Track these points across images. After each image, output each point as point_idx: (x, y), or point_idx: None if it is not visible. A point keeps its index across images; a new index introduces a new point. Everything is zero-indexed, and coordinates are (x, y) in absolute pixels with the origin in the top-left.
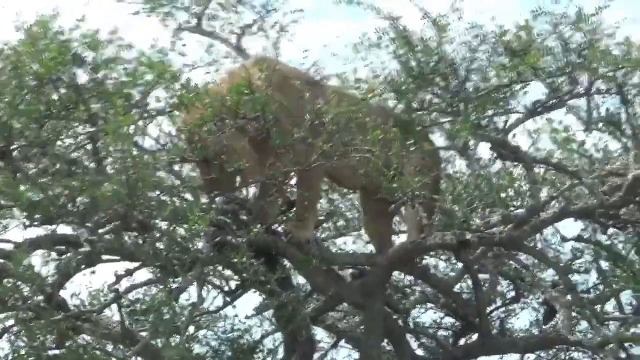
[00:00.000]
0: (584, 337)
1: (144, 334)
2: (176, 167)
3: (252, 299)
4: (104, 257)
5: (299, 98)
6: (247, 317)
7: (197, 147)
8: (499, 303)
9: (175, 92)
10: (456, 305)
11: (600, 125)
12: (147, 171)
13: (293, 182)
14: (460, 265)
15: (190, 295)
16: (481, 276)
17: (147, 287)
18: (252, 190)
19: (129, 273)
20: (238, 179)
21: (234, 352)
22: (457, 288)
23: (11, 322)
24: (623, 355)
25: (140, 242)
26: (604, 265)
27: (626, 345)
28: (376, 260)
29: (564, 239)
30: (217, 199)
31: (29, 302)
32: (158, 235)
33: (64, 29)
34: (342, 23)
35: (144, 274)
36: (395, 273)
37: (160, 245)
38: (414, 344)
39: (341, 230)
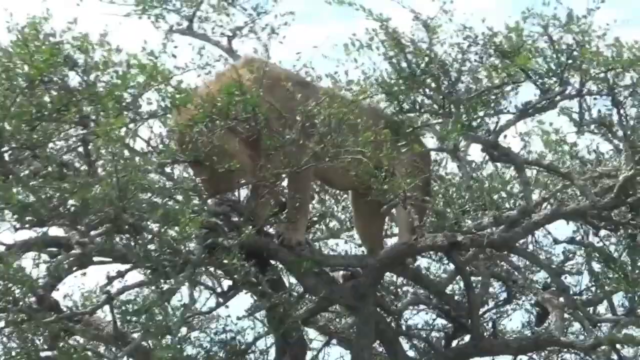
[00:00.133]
0: (576, 339)
1: (135, 335)
2: (168, 169)
3: (244, 300)
4: (96, 259)
5: (289, 99)
6: (239, 318)
7: (187, 148)
8: (491, 304)
9: (166, 94)
10: (448, 307)
11: (592, 126)
12: (137, 173)
13: (284, 183)
14: (452, 266)
15: (182, 296)
16: (473, 278)
17: (139, 289)
18: (244, 192)
19: (121, 274)
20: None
21: (226, 354)
22: (449, 289)
23: (2, 323)
24: (615, 357)
25: (132, 243)
26: (596, 266)
27: (618, 346)
28: (368, 261)
29: (556, 241)
30: (209, 201)
31: (20, 303)
32: (149, 237)
33: (56, 31)
34: (332, 25)
35: (136, 276)
36: (387, 274)
37: (151, 247)
38: (405, 345)
39: (333, 232)
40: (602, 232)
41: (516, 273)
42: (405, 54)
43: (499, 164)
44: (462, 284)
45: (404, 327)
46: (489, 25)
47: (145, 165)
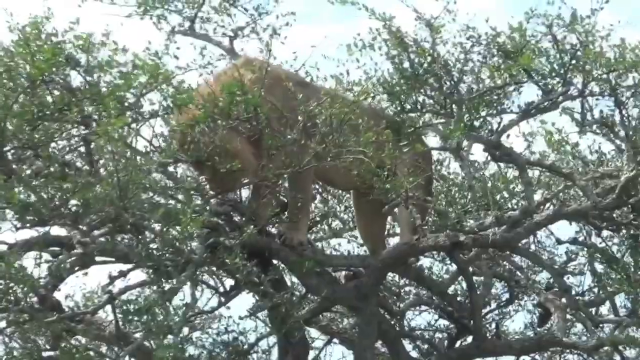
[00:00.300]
0: (579, 340)
1: (137, 335)
2: (171, 168)
3: (246, 300)
4: (97, 259)
5: (289, 99)
6: (241, 318)
7: (189, 148)
8: (494, 305)
9: (168, 94)
10: (451, 308)
11: (594, 127)
12: (138, 173)
13: (285, 183)
14: (454, 267)
15: (184, 295)
16: (475, 278)
17: (140, 288)
18: (246, 192)
19: (123, 274)
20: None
21: (228, 354)
22: (451, 290)
23: (4, 323)
24: (617, 358)
25: (134, 243)
26: (599, 267)
27: (620, 347)
28: (370, 262)
29: (559, 241)
30: (211, 200)
31: (22, 303)
32: (151, 236)
33: (57, 31)
34: (331, 25)
35: (138, 275)
36: (390, 275)
37: (153, 247)
38: (408, 346)
39: (335, 231)
40: (605, 233)
41: (518, 273)
42: (408, 53)
43: (501, 164)
44: (464, 284)
45: (406, 328)
46: (491, 25)
47: (147, 165)
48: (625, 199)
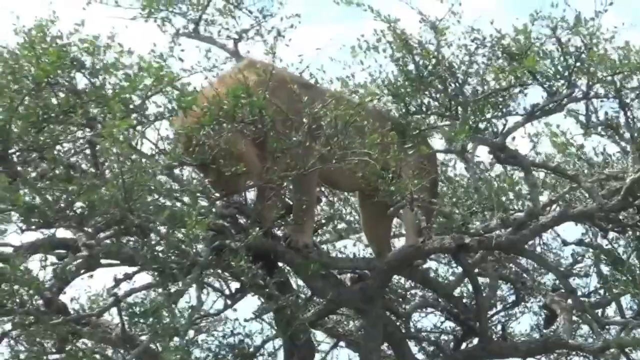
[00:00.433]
0: (585, 342)
1: (143, 337)
2: (177, 171)
3: (252, 303)
4: (103, 261)
5: (294, 101)
6: (246, 320)
7: (194, 151)
8: (500, 307)
9: (172, 96)
10: (456, 309)
11: (599, 128)
12: (144, 175)
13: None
14: (460, 269)
15: (190, 298)
16: (481, 280)
17: (146, 291)
18: (252, 194)
19: (128, 277)
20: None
21: (234, 357)
22: (457, 292)
23: (10, 326)
24: None
25: (139, 246)
26: (605, 269)
27: (627, 350)
28: (375, 264)
29: (565, 243)
30: (217, 203)
31: (27, 306)
32: (156, 239)
33: (63, 33)
34: (332, 26)
35: (144, 278)
36: (395, 277)
37: (158, 249)
38: (414, 348)
39: (341, 233)
40: (611, 235)
41: (525, 275)
42: (412, 55)
43: (507, 166)
44: (470, 286)
45: (412, 330)
46: (495, 27)
47: (152, 167)
48: (631, 201)
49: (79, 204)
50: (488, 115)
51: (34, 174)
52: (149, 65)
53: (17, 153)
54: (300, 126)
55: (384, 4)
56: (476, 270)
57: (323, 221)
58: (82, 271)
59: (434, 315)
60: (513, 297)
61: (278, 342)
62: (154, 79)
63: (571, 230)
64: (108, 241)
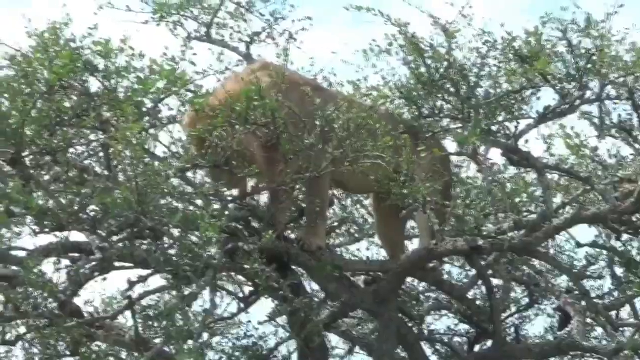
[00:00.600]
0: (599, 344)
1: (157, 340)
2: (189, 174)
3: (266, 305)
4: (117, 264)
5: (307, 103)
6: (260, 323)
7: (207, 153)
8: (514, 309)
9: (186, 99)
10: (470, 312)
11: (612, 130)
12: (157, 178)
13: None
14: (473, 271)
15: (204, 301)
16: (495, 282)
17: (160, 294)
18: (265, 197)
19: (142, 280)
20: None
21: (248, 359)
22: (470, 294)
23: (25, 329)
24: None
25: (152, 248)
26: (618, 271)
27: None
28: (389, 266)
29: (578, 245)
30: (230, 205)
31: (41, 309)
32: (170, 241)
33: (76, 37)
34: (347, 31)
35: (157, 281)
36: (409, 279)
37: (172, 252)
38: (428, 351)
39: (355, 236)
40: (625, 237)
41: (538, 277)
42: (424, 59)
43: (520, 168)
44: (483, 288)
45: (426, 332)
46: (508, 29)
47: (165, 169)
48: None
49: (92, 207)
50: (500, 118)
51: (47, 177)
52: (161, 69)
53: (31, 156)
54: (313, 129)
55: (395, 9)
56: (489, 273)
57: (336, 224)
58: (95, 274)
59: (447, 318)
60: (527, 299)
61: (292, 345)
62: (167, 81)
63: (585, 233)
64: (121, 244)
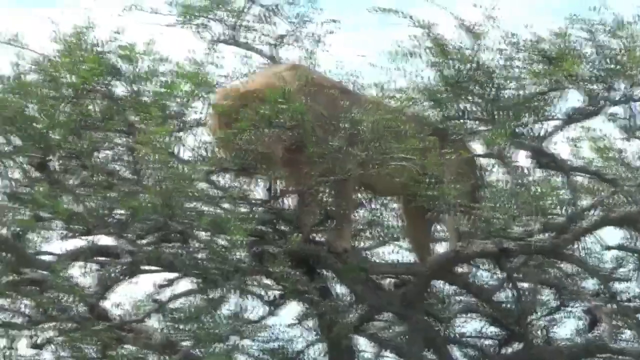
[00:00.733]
0: (627, 345)
1: (185, 343)
2: (215, 177)
3: (293, 308)
4: (145, 267)
5: (333, 106)
6: (288, 326)
7: (233, 156)
8: (542, 311)
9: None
10: (498, 314)
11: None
12: (184, 181)
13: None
14: (501, 273)
15: (232, 304)
16: (523, 284)
17: (188, 297)
18: (291, 200)
19: (170, 283)
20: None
21: None
22: (498, 297)
23: (52, 332)
24: None
25: (180, 252)
26: None
27: None
28: (417, 269)
29: (607, 247)
30: (257, 209)
31: (70, 312)
32: (198, 245)
33: (100, 41)
34: (372, 33)
35: (185, 284)
36: (437, 282)
37: (199, 255)
38: (457, 353)
39: (383, 239)
40: None
41: (567, 279)
42: (450, 60)
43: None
44: (511, 291)
45: (453, 335)
46: (533, 31)
47: (192, 172)
48: None
49: (119, 210)
50: (526, 120)
51: (74, 182)
52: (187, 72)
53: (58, 160)
54: (339, 131)
55: (420, 10)
56: (517, 275)
57: (362, 227)
58: (124, 277)
59: (476, 320)
60: (555, 302)
61: (320, 347)
62: (193, 84)
63: (612, 235)
64: (149, 248)
